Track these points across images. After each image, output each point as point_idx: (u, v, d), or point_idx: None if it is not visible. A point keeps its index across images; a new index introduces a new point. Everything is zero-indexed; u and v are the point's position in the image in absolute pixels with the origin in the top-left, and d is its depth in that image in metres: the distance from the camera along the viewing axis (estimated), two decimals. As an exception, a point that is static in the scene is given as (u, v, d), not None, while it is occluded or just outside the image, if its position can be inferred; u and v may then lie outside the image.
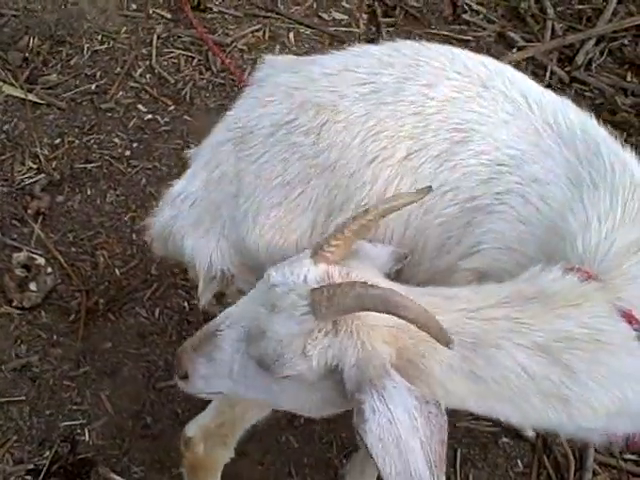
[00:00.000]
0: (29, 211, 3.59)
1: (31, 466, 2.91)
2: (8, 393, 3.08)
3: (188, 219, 2.13)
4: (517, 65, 4.04)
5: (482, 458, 3.00)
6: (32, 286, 3.29)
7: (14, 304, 3.29)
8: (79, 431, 3.00)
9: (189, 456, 2.48)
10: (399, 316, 1.53)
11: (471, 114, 2.08)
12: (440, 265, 2.10)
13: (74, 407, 3.06)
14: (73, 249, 3.52)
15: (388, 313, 1.54)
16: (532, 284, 1.80)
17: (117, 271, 3.46)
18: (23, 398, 3.07)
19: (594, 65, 4.12)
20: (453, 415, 3.01)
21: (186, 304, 3.35)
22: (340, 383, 1.62)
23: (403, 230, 2.08)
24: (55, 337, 3.24)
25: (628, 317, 1.77)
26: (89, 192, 3.71)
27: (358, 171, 2.05)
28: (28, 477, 2.89)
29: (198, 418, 2.46)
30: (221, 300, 2.34)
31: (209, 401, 2.41)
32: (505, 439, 3.04)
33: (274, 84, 2.18)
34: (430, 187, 1.80)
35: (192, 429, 2.45)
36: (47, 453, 2.94)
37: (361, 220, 1.68)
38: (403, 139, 2.06)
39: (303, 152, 2.06)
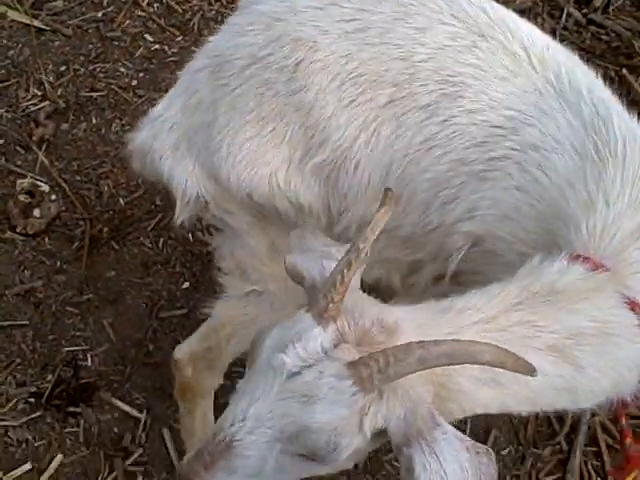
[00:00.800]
0: (34, 138, 3.56)
1: (34, 389, 2.92)
2: (12, 317, 3.09)
3: (166, 141, 2.12)
4: (533, 5, 3.97)
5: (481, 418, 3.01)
6: (36, 212, 3.28)
7: (18, 230, 3.28)
8: (81, 356, 3.01)
9: (178, 378, 2.53)
10: (471, 363, 1.43)
11: (465, 66, 1.94)
12: (431, 222, 2.03)
13: (77, 333, 3.07)
14: (77, 177, 3.50)
15: (456, 364, 1.43)
16: (538, 279, 1.70)
17: (121, 201, 3.44)
18: (26, 322, 3.07)
19: (612, 8, 4.03)
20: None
21: (190, 235, 3.34)
22: (379, 437, 1.51)
23: (383, 175, 2.02)
24: (59, 264, 3.24)
25: (632, 305, 1.73)
26: (94, 121, 3.68)
27: (334, 115, 1.99)
28: (31, 399, 2.90)
29: (186, 341, 2.50)
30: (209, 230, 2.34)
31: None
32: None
33: (258, 12, 2.08)
34: (390, 189, 1.60)
35: (180, 351, 2.49)
36: (50, 377, 2.95)
37: (353, 258, 1.48)
38: (386, 85, 1.97)
39: (277, 89, 2.01)
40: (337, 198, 2.06)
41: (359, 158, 2.01)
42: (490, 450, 1.46)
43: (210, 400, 2.63)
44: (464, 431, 1.86)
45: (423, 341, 1.39)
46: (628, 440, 1.98)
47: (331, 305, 1.46)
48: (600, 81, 2.00)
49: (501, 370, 1.49)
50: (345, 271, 1.46)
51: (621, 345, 1.72)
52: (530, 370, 1.43)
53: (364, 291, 1.65)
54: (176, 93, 2.18)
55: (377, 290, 2.58)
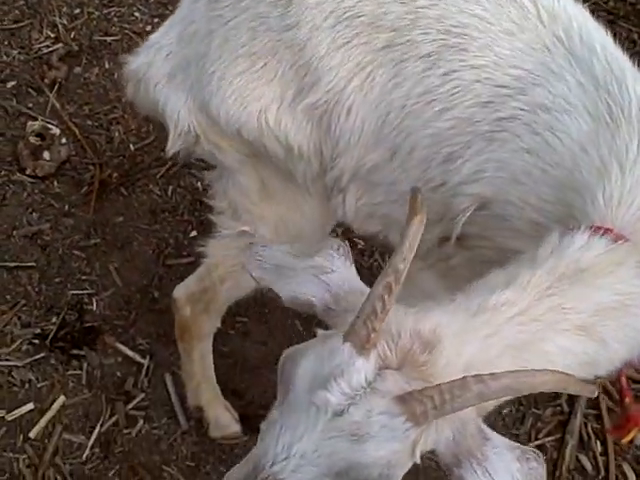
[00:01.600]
0: (45, 80, 3.54)
1: (38, 330, 2.94)
2: (18, 258, 3.09)
3: (162, 69, 2.10)
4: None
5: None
6: (46, 155, 3.27)
7: (27, 172, 3.27)
8: (87, 300, 3.02)
9: (177, 318, 2.55)
10: (532, 392, 1.38)
11: (469, 17, 1.85)
12: (433, 179, 1.97)
13: (83, 277, 3.07)
14: (88, 122, 3.47)
15: (516, 396, 1.39)
16: (561, 258, 1.63)
17: (132, 147, 3.42)
18: (33, 264, 3.08)
19: (637, -32, 3.93)
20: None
21: (199, 184, 3.32)
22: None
23: (379, 124, 1.96)
24: (67, 207, 3.23)
25: None
26: (107, 65, 3.64)
27: (327, 55, 1.93)
28: (35, 341, 2.91)
29: (185, 281, 2.51)
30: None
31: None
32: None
33: None
34: (417, 189, 1.47)
35: (179, 291, 2.50)
36: (54, 319, 2.96)
37: (393, 282, 1.38)
38: (384, 29, 1.90)
39: (270, 25, 1.96)
40: (329, 143, 2.02)
41: (352, 102, 1.95)
42: (538, 452, 1.41)
43: (208, 344, 2.64)
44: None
45: (480, 376, 1.31)
46: (627, 399, 1.98)
47: (373, 335, 1.35)
48: (611, 39, 1.90)
49: (531, 357, 1.51)
50: (386, 297, 1.35)
51: (638, 315, 1.68)
52: (591, 391, 1.40)
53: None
54: (174, 22, 2.15)
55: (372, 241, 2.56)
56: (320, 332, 1.49)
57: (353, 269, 1.59)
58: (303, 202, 2.18)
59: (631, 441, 1.96)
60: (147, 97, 2.16)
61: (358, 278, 1.57)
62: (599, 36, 1.86)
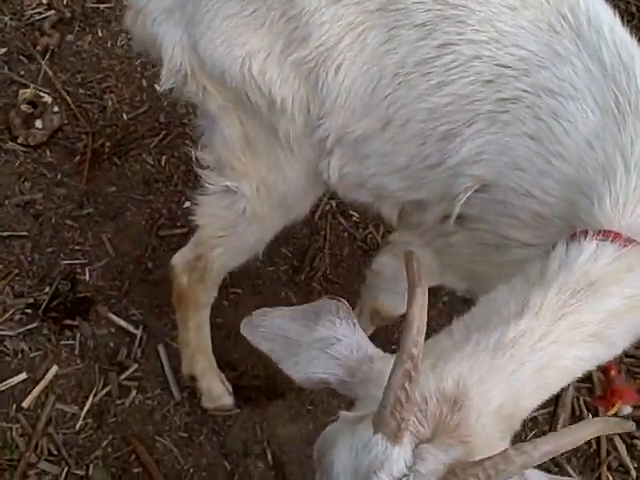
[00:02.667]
0: (38, 48, 3.50)
1: (31, 300, 2.92)
2: (11, 228, 3.07)
3: (161, 4, 2.08)
4: None
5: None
6: (38, 123, 3.23)
7: (19, 141, 3.24)
8: (79, 270, 3.00)
9: (175, 286, 2.55)
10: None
11: None
12: (430, 156, 1.93)
13: (76, 247, 3.05)
14: (81, 90, 3.43)
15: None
16: (572, 272, 1.60)
17: (125, 116, 3.38)
18: (25, 234, 3.06)
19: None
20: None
21: (193, 154, 3.29)
22: None
23: (369, 90, 1.92)
24: (59, 177, 3.20)
25: None
26: (100, 33, 3.60)
27: (319, 10, 1.89)
28: (28, 310, 2.90)
29: (182, 249, 2.50)
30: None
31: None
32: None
33: None
34: (411, 252, 1.41)
35: (175, 259, 2.51)
36: (47, 289, 2.95)
37: (412, 369, 1.31)
38: None
39: None
40: (317, 101, 1.98)
41: (341, 61, 1.91)
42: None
43: (205, 314, 2.64)
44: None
45: (521, 446, 1.28)
46: (612, 372, 1.98)
47: (403, 424, 1.32)
48: (619, 23, 1.83)
49: (550, 374, 1.52)
50: (407, 385, 1.30)
51: None
52: (629, 427, 1.39)
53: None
54: None
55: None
56: (343, 414, 1.48)
57: (358, 330, 1.56)
58: (286, 164, 2.14)
59: (615, 414, 1.98)
60: (144, 30, 2.14)
61: (365, 339, 1.55)
62: (607, 17, 1.79)
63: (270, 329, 1.63)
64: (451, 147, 1.89)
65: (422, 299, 1.33)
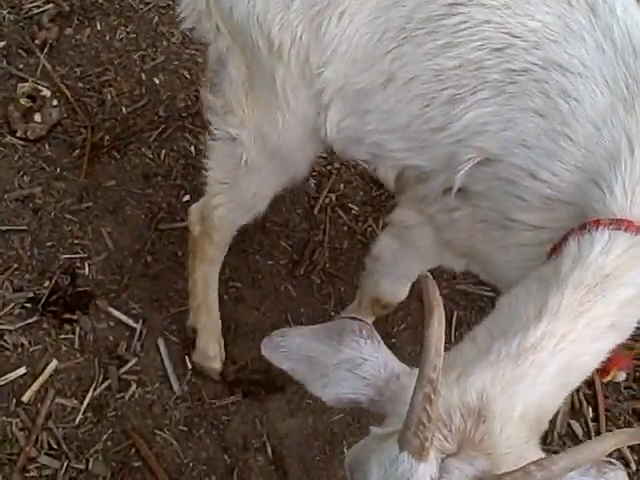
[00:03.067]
0: (36, 41, 3.48)
1: (30, 295, 2.92)
2: (10, 222, 3.06)
3: None
4: None
5: (478, 321, 3.00)
6: (37, 117, 3.23)
7: (18, 135, 3.23)
8: (79, 264, 3.00)
9: (189, 237, 2.64)
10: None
11: None
12: (433, 119, 1.91)
13: (75, 241, 3.05)
14: (80, 84, 3.43)
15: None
16: (586, 268, 1.60)
17: (124, 110, 3.38)
18: (25, 228, 3.05)
19: None
20: (452, 277, 3.02)
21: (192, 148, 3.29)
22: None
23: (374, 41, 1.89)
24: (58, 171, 3.19)
25: None
26: (99, 27, 3.59)
27: None
28: (27, 305, 2.90)
29: (200, 200, 2.57)
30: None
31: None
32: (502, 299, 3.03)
33: None
34: (427, 275, 1.39)
35: (192, 207, 2.60)
36: (47, 283, 2.94)
37: (431, 392, 1.33)
38: None
39: None
40: (318, 49, 1.96)
41: (346, 7, 1.89)
42: (611, 460, 1.43)
43: (212, 271, 2.69)
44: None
45: (541, 462, 1.29)
46: None
47: (427, 443, 1.34)
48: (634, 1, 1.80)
49: (573, 373, 1.58)
50: (428, 407, 1.32)
51: None
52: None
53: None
54: None
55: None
56: (373, 430, 1.51)
57: (382, 347, 1.57)
58: (282, 119, 2.13)
59: (611, 381, 1.99)
60: None
61: (391, 356, 1.57)
62: None
63: (292, 349, 1.63)
64: (455, 112, 1.86)
65: (439, 322, 1.33)
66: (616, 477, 1.42)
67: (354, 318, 1.60)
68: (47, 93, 3.30)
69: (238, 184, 2.34)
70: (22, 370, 2.78)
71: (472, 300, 3.03)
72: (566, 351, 1.55)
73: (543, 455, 1.42)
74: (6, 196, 3.11)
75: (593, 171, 1.70)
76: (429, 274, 1.39)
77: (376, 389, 1.54)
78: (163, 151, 3.28)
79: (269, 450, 2.70)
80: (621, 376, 2.51)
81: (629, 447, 2.73)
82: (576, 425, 2.77)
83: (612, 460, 1.42)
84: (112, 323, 2.89)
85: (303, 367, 1.62)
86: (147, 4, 3.64)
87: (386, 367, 1.55)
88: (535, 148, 1.77)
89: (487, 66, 1.80)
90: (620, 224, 1.63)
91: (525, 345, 1.52)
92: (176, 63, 3.52)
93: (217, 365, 2.80)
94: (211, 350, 2.79)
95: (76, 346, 2.84)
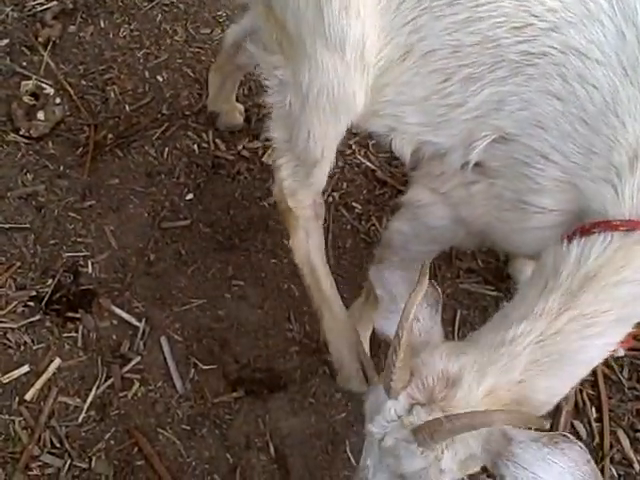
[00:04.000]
0: (39, 39, 3.48)
1: (33, 293, 2.91)
2: (13, 220, 3.06)
3: None
4: None
5: (482, 320, 2.99)
6: (40, 115, 3.22)
7: (21, 133, 3.22)
8: (82, 263, 2.99)
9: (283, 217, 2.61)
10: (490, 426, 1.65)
11: None
12: (451, 95, 1.91)
13: (78, 239, 3.04)
14: (83, 82, 3.42)
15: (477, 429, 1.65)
16: (580, 273, 1.72)
17: (127, 108, 3.37)
18: (28, 226, 3.05)
19: None
20: (455, 276, 3.01)
21: (196, 147, 3.28)
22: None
23: (391, 9, 1.88)
24: (62, 169, 3.19)
25: None
26: (102, 24, 3.58)
27: None
28: (30, 303, 2.89)
29: None
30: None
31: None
32: (506, 303, 3.02)
33: None
34: (425, 266, 1.73)
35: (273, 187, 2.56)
36: (50, 281, 2.94)
37: (397, 345, 1.66)
38: None
39: None
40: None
41: None
42: (566, 434, 1.61)
43: (314, 253, 2.62)
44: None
45: (449, 416, 1.62)
46: None
47: (392, 384, 1.68)
48: None
49: (569, 368, 1.76)
50: (394, 357, 1.66)
51: None
52: (540, 424, 1.67)
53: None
54: None
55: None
56: None
57: (437, 319, 1.88)
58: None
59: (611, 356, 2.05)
60: None
61: (438, 328, 1.87)
62: None
63: (389, 281, 1.94)
64: (473, 89, 1.87)
65: (417, 296, 1.67)
66: (570, 449, 1.59)
67: (432, 284, 1.84)
68: (50, 91, 3.29)
69: (295, 134, 2.25)
70: (25, 368, 2.77)
71: (475, 299, 3.02)
72: (548, 341, 1.72)
73: (505, 429, 1.66)
74: (9, 194, 3.10)
75: (606, 163, 1.71)
76: (428, 263, 1.71)
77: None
78: (166, 149, 3.27)
79: (272, 449, 2.69)
80: (620, 352, 2.55)
81: (632, 448, 2.73)
82: (579, 426, 2.76)
83: (567, 434, 1.62)
84: (115, 321, 2.89)
85: (387, 298, 1.91)
86: (150, 2, 3.64)
87: (429, 334, 1.84)
88: (550, 130, 1.78)
89: (505, 44, 1.80)
90: (628, 225, 1.68)
91: (504, 339, 1.74)
92: (180, 61, 3.51)
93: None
94: (347, 365, 2.65)
95: (79, 344, 2.84)
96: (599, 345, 1.74)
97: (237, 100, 3.31)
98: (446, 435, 1.62)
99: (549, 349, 1.71)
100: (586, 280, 1.69)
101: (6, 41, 3.48)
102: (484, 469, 1.75)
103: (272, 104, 2.29)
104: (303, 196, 2.45)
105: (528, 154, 1.83)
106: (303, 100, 2.12)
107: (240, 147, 3.30)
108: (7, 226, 3.03)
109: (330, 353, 2.68)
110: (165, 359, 2.83)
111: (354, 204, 3.19)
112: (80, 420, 2.70)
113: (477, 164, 1.98)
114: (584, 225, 1.73)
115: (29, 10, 3.56)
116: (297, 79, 2.10)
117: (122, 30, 3.57)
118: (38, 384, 2.75)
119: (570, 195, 1.80)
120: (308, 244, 2.57)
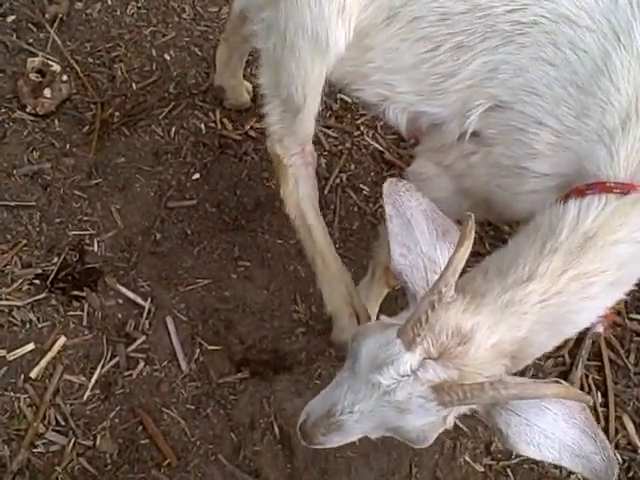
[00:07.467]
0: (46, 16, 3.45)
1: (39, 271, 2.91)
2: (19, 198, 3.05)
3: None
4: None
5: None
6: (46, 92, 3.20)
7: (28, 110, 3.20)
8: (88, 241, 2.99)
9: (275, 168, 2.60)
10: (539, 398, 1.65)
11: None
12: (443, 62, 1.93)
13: (84, 217, 3.04)
14: (90, 59, 3.40)
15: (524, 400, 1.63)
16: (578, 233, 1.73)
17: (134, 86, 3.35)
18: (34, 204, 3.04)
19: None
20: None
21: (203, 126, 3.27)
22: None
23: None
24: (68, 147, 3.18)
25: None
26: (109, 1, 3.56)
27: None
28: (36, 281, 2.89)
29: None
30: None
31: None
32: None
33: None
34: (470, 216, 1.57)
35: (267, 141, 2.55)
36: (55, 260, 2.93)
37: (436, 301, 1.59)
38: None
39: None
40: None
41: None
42: (560, 381, 1.59)
43: (304, 204, 2.60)
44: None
45: (495, 383, 1.56)
46: None
47: (418, 338, 1.61)
48: None
49: (569, 327, 1.79)
50: (429, 311, 1.59)
51: None
52: (586, 400, 1.61)
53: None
54: None
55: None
56: (382, 318, 1.81)
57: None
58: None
59: (588, 329, 2.09)
60: None
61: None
62: None
63: (404, 204, 1.84)
64: (465, 59, 1.89)
65: (465, 251, 1.55)
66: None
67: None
68: (57, 68, 3.27)
69: (278, 79, 2.26)
70: (30, 346, 2.77)
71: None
72: (550, 302, 1.72)
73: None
74: (15, 172, 3.09)
75: (599, 126, 1.73)
76: (473, 215, 1.56)
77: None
78: (173, 128, 3.25)
79: (276, 430, 2.70)
80: (598, 327, 2.58)
81: (638, 433, 2.72)
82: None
83: (561, 381, 1.59)
84: (120, 301, 2.89)
85: (398, 224, 1.82)
86: (158, -21, 3.61)
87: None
88: (544, 96, 1.81)
89: (495, 14, 1.82)
90: (623, 188, 1.70)
91: (514, 299, 1.72)
92: (187, 39, 3.49)
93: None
94: (341, 315, 2.62)
95: (84, 323, 2.83)
96: (594, 307, 1.76)
97: (245, 80, 3.29)
98: (485, 400, 1.59)
99: (552, 309, 1.72)
100: (586, 240, 1.70)
101: (13, 17, 3.46)
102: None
103: (260, 50, 2.30)
104: (290, 142, 2.46)
105: (523, 120, 1.85)
106: (283, 42, 2.13)
107: (247, 127, 3.28)
108: (13, 204, 3.02)
109: (325, 304, 2.66)
110: (170, 339, 2.83)
111: (362, 186, 3.17)
112: (85, 398, 2.71)
113: (474, 134, 1.99)
114: (579, 187, 1.75)
115: (36, -14, 3.54)
116: (277, 19, 2.11)
117: (129, 7, 3.54)
118: (43, 362, 2.75)
119: (565, 158, 1.82)
120: (298, 193, 2.57)
